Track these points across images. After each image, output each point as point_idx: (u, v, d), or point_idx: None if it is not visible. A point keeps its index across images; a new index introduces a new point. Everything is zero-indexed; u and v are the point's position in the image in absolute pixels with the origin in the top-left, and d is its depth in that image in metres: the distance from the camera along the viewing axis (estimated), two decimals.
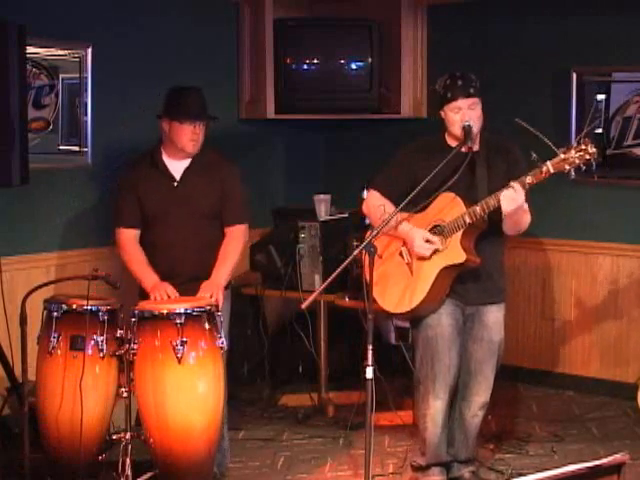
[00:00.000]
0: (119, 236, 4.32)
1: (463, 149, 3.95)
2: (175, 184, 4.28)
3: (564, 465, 2.57)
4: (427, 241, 3.95)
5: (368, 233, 4.06)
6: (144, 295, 4.22)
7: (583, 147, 3.69)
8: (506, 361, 5.69)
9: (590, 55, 5.47)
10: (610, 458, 2.59)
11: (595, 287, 5.62)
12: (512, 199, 3.76)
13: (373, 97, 5.99)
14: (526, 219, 3.94)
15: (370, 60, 5.96)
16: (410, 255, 4.05)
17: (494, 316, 4.14)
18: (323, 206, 5.38)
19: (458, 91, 3.92)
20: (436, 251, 3.96)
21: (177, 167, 4.29)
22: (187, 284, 4.19)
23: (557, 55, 5.60)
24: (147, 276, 4.21)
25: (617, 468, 2.60)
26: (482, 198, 3.88)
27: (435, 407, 4.10)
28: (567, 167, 3.71)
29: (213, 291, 4.14)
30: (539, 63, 5.67)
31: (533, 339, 5.86)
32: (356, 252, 3.70)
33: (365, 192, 4.39)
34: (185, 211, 4.25)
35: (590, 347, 5.66)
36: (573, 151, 3.69)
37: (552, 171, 3.72)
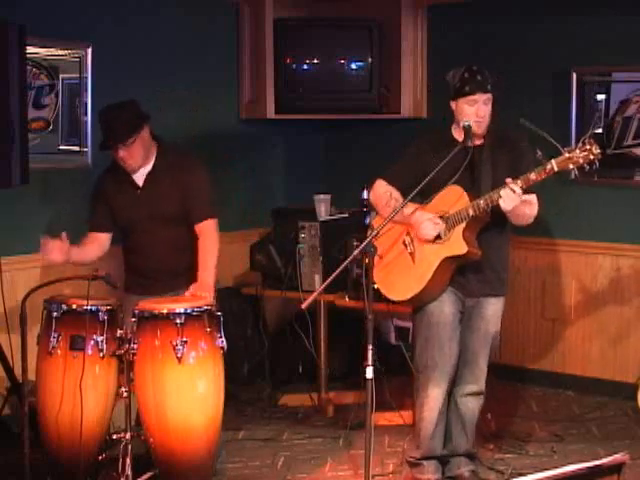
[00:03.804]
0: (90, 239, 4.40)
1: (477, 143, 4.01)
2: (138, 191, 4.29)
3: (564, 465, 2.57)
4: (435, 223, 4.00)
5: (377, 218, 4.16)
6: (129, 289, 4.32)
7: (588, 147, 3.72)
8: (506, 361, 5.74)
9: (590, 55, 5.47)
10: (610, 458, 2.59)
11: (595, 287, 5.62)
12: (511, 199, 3.79)
13: (373, 97, 6.00)
14: (530, 212, 3.95)
15: (370, 60, 5.96)
16: (413, 244, 4.09)
17: (493, 308, 4.17)
18: (323, 206, 5.38)
19: (477, 85, 3.97)
20: (437, 238, 4.00)
21: (140, 173, 4.29)
22: (165, 288, 4.21)
23: (557, 55, 5.60)
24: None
25: (617, 468, 2.60)
26: (485, 191, 3.92)
27: (434, 395, 4.13)
28: (571, 166, 3.75)
29: (206, 292, 4.12)
30: (539, 63, 5.67)
31: (533, 339, 5.86)
32: (356, 252, 3.71)
33: (365, 192, 4.41)
34: (151, 217, 4.27)
35: (590, 347, 5.66)
36: (578, 151, 3.73)
37: (556, 169, 3.76)
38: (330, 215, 5.41)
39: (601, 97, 5.50)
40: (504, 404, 5.36)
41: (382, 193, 4.16)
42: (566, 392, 5.67)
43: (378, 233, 3.80)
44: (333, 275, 3.74)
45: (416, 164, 4.11)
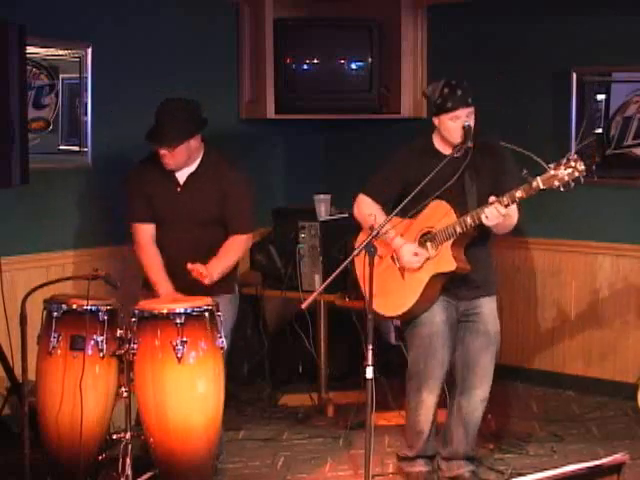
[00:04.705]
0: (136, 233, 4.38)
1: (456, 154, 4.02)
2: (179, 189, 4.31)
3: (564, 465, 2.57)
4: (415, 254, 4.04)
5: (360, 235, 4.20)
6: (148, 287, 4.30)
7: (572, 164, 3.73)
8: (506, 361, 5.73)
9: (590, 55, 5.46)
10: (610, 458, 2.59)
11: (595, 287, 5.62)
12: (495, 217, 3.86)
13: (373, 97, 5.99)
14: (510, 222, 4.02)
15: (370, 60, 5.96)
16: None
17: (488, 307, 4.19)
18: (323, 206, 5.37)
19: (459, 101, 3.98)
20: (427, 259, 4.04)
21: (183, 172, 4.31)
22: (186, 288, 4.19)
23: (557, 55, 5.60)
24: (162, 284, 4.26)
25: (617, 468, 2.59)
26: (471, 202, 3.97)
27: (429, 400, 4.16)
28: (557, 183, 3.75)
29: (206, 272, 4.12)
30: (539, 63, 5.67)
31: (533, 339, 5.86)
32: (356, 252, 3.71)
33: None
34: (187, 217, 4.28)
35: (590, 347, 5.66)
36: (563, 168, 3.74)
37: (542, 187, 3.78)
38: (330, 215, 5.40)
39: (601, 97, 5.50)
40: (504, 404, 5.36)
41: (367, 216, 4.13)
42: (566, 392, 5.67)
43: (378, 233, 3.80)
44: (333, 275, 3.75)
45: (399, 176, 4.14)
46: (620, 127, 5.44)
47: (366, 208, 4.19)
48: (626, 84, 5.42)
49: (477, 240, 4.09)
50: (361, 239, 4.21)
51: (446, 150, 4.08)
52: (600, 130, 5.50)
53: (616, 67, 5.43)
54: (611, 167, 5.48)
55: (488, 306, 4.18)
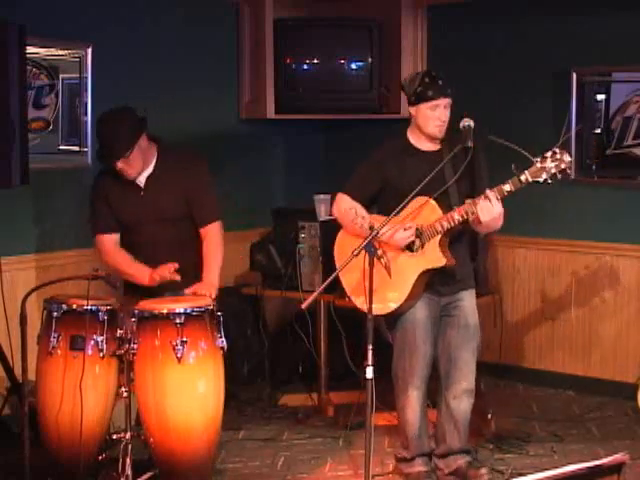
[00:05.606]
0: (100, 243, 4.41)
1: (434, 148, 4.08)
2: (141, 193, 4.31)
3: (564, 465, 2.57)
4: (404, 229, 4.03)
5: (340, 234, 4.24)
6: (130, 291, 4.31)
7: (558, 157, 3.79)
8: (506, 361, 5.74)
9: (590, 55, 5.47)
10: (610, 458, 2.58)
11: (595, 287, 5.62)
12: (488, 210, 3.88)
13: (373, 97, 6.00)
14: (500, 223, 4.01)
15: (370, 60, 5.96)
16: (386, 256, 4.09)
17: (468, 300, 4.22)
18: (323, 206, 5.37)
19: (439, 90, 4.01)
20: (409, 249, 4.03)
21: (141, 175, 4.31)
22: (166, 288, 4.21)
23: (557, 55, 5.60)
24: (139, 270, 4.28)
25: (617, 468, 2.59)
26: (453, 198, 4.00)
27: (414, 397, 4.18)
28: (544, 176, 3.80)
29: (209, 290, 4.16)
30: (539, 63, 5.67)
31: (533, 339, 5.86)
32: (356, 252, 3.71)
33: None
34: (155, 218, 4.29)
35: (590, 347, 5.66)
36: (549, 160, 3.79)
37: (530, 180, 3.82)
38: (330, 215, 5.39)
39: (601, 97, 5.50)
40: (504, 404, 5.36)
41: (347, 209, 4.18)
42: (566, 392, 5.67)
43: (378, 233, 3.80)
44: (333, 275, 3.77)
45: (377, 174, 4.17)
46: (620, 127, 5.44)
47: (345, 204, 4.22)
48: (626, 84, 5.42)
49: (462, 235, 4.12)
50: (340, 238, 4.26)
51: (422, 145, 4.13)
52: (600, 130, 5.51)
53: (616, 67, 5.43)
54: (611, 167, 5.49)
55: (468, 299, 4.21)
